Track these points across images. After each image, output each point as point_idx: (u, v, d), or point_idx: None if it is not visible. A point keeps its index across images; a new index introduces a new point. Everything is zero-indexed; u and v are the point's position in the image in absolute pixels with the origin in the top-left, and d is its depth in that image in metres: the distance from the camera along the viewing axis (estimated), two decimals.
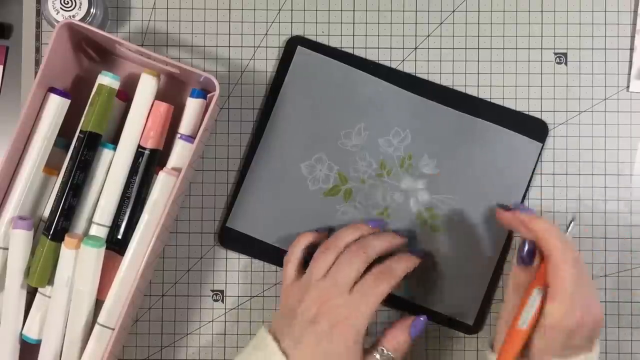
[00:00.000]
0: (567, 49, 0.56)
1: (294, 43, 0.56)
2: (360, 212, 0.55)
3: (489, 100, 0.56)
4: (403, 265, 0.50)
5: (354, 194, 0.55)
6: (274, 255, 0.55)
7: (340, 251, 0.50)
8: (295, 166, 0.55)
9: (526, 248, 0.47)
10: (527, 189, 0.55)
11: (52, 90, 0.50)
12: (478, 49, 0.56)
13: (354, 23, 0.56)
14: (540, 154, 0.55)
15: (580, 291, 0.45)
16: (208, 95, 0.52)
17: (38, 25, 0.55)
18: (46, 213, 0.52)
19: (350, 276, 0.48)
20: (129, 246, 0.50)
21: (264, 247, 0.55)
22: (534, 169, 0.55)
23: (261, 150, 0.55)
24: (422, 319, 0.50)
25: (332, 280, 0.48)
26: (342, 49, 0.56)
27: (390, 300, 0.55)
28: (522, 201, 0.55)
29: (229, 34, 0.56)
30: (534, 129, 0.55)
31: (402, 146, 0.55)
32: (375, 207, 0.55)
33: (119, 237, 0.51)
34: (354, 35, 0.56)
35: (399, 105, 0.55)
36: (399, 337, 0.49)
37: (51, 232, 0.49)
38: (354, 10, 0.56)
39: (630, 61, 0.56)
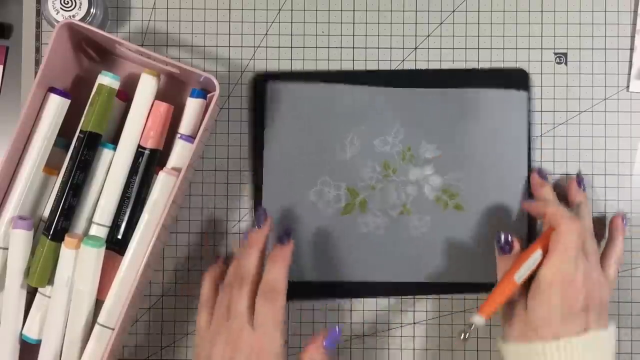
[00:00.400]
0: (567, 49, 0.56)
1: (262, 82, 0.55)
2: (380, 218, 0.55)
3: (463, 68, 0.56)
4: (279, 269, 0.49)
5: (368, 203, 0.55)
6: (312, 290, 0.55)
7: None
8: (304, 196, 0.55)
9: (502, 239, 0.51)
10: (529, 142, 0.55)
11: (52, 90, 0.50)
12: (478, 49, 0.56)
13: (354, 23, 0.56)
14: (529, 102, 0.55)
15: (578, 263, 0.47)
16: (208, 95, 0.52)
17: (38, 25, 0.55)
18: (46, 213, 0.52)
19: (243, 309, 0.48)
20: (129, 246, 0.50)
21: (303, 286, 0.55)
22: (529, 119, 0.55)
23: (266, 191, 0.55)
24: (336, 329, 0.49)
25: (232, 318, 0.48)
26: (323, 65, 0.56)
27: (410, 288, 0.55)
28: (529, 154, 0.55)
29: (229, 34, 0.56)
30: (516, 79, 0.55)
31: (398, 141, 0.55)
32: (394, 208, 0.55)
33: (119, 237, 0.51)
34: (354, 36, 0.56)
35: (381, 103, 0.55)
36: (314, 356, 0.48)
37: (51, 232, 0.49)
38: (354, 10, 0.56)
39: (630, 61, 0.56)
